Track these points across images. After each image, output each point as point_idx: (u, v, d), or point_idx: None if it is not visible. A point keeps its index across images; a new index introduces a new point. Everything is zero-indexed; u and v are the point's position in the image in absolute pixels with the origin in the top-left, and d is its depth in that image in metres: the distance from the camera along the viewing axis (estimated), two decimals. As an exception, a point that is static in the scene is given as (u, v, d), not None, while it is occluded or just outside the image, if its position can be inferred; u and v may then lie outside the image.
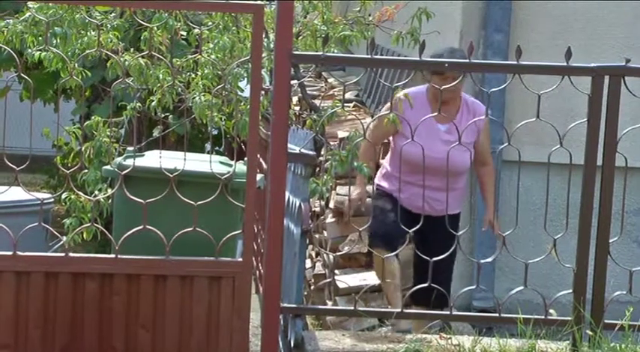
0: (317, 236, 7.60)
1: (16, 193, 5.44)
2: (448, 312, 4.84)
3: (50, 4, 5.92)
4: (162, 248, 4.61)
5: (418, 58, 4.67)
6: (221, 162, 5.41)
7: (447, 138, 5.59)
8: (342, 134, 7.49)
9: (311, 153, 5.41)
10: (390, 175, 5.88)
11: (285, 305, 4.79)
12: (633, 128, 4.85)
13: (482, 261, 4.90)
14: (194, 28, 5.97)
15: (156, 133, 6.17)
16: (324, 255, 7.26)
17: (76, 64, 5.61)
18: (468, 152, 5.51)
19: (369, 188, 5.91)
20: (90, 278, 4.59)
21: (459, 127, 5.03)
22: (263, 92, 5.53)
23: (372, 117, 8.01)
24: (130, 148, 5.35)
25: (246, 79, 6.13)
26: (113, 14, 6.39)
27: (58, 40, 5.98)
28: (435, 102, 5.52)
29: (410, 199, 5.58)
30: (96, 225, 4.90)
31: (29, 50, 5.95)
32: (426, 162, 5.04)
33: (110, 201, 5.34)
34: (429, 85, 5.68)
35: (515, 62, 4.67)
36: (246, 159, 4.76)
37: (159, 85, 6.05)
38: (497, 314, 4.80)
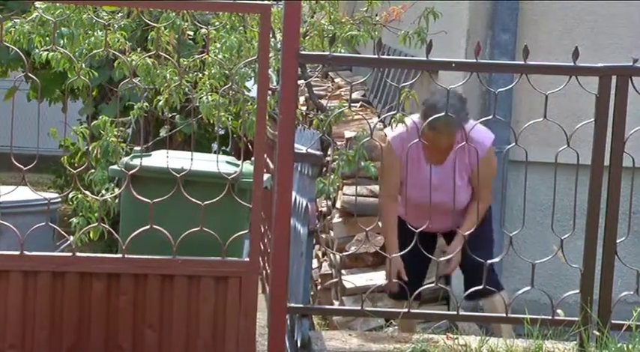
0: (324, 236, 7.60)
1: (24, 193, 5.44)
2: (455, 312, 4.83)
3: (57, 4, 5.93)
4: (169, 248, 4.62)
5: (425, 58, 4.66)
6: (228, 162, 5.41)
7: (438, 182, 5.19)
8: (348, 134, 7.49)
9: (318, 153, 5.41)
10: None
11: (292, 305, 4.79)
12: (641, 128, 4.84)
13: (489, 261, 4.89)
14: (201, 27, 5.97)
15: (163, 133, 6.18)
16: (331, 255, 7.26)
17: (84, 64, 5.62)
18: (465, 192, 5.38)
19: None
20: (97, 277, 4.59)
21: (451, 167, 4.94)
22: (270, 92, 5.54)
23: (379, 117, 8.01)
24: (137, 148, 5.36)
25: (253, 78, 6.14)
26: (120, 14, 6.40)
27: (65, 40, 5.99)
28: (427, 145, 5.21)
29: (421, 224, 5.31)
30: (103, 224, 4.90)
31: (36, 50, 5.96)
32: (424, 204, 5.05)
33: (117, 200, 5.34)
34: (425, 124, 5.19)
35: (522, 62, 4.66)
36: (253, 159, 4.76)
37: (166, 84, 6.06)
38: (504, 314, 4.80)
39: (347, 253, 6.47)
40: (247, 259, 4.71)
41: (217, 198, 4.66)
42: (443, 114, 4.86)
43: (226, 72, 6.07)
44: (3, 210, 4.78)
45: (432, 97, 5.34)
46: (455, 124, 5.12)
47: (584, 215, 4.70)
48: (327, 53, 4.83)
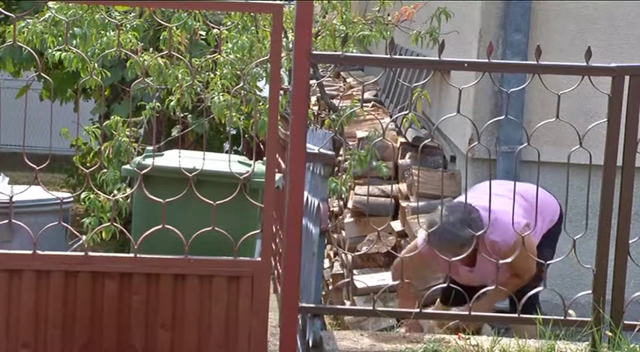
0: (335, 236, 7.60)
1: (36, 192, 5.46)
2: (467, 312, 4.83)
3: (70, 4, 5.95)
4: (182, 247, 4.62)
5: (437, 58, 4.66)
6: (240, 162, 5.42)
7: (473, 276, 5.28)
8: (360, 134, 7.50)
9: (330, 152, 5.41)
10: None
11: (304, 304, 4.79)
12: (653, 128, 4.82)
13: (501, 262, 4.88)
14: (213, 27, 5.98)
15: (175, 133, 6.19)
16: (343, 255, 7.26)
17: (96, 64, 5.63)
18: (507, 272, 5.18)
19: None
20: (109, 277, 4.60)
21: (483, 266, 4.90)
22: (282, 92, 5.54)
23: (391, 117, 8.01)
24: (149, 148, 5.37)
25: (264, 78, 6.15)
26: (132, 14, 6.41)
27: (78, 40, 6.01)
28: None
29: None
30: (115, 224, 4.91)
31: (49, 50, 5.98)
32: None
33: (129, 200, 5.35)
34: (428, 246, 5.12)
35: (534, 62, 4.66)
36: (264, 158, 4.77)
37: (178, 84, 6.07)
38: (516, 315, 4.79)
39: (358, 253, 6.46)
40: (259, 259, 4.72)
41: (229, 198, 4.66)
42: (439, 238, 4.90)
43: (238, 72, 6.08)
44: (16, 210, 4.78)
45: (431, 216, 5.15)
46: (454, 246, 4.93)
47: (596, 215, 4.68)
48: (339, 53, 4.83)
